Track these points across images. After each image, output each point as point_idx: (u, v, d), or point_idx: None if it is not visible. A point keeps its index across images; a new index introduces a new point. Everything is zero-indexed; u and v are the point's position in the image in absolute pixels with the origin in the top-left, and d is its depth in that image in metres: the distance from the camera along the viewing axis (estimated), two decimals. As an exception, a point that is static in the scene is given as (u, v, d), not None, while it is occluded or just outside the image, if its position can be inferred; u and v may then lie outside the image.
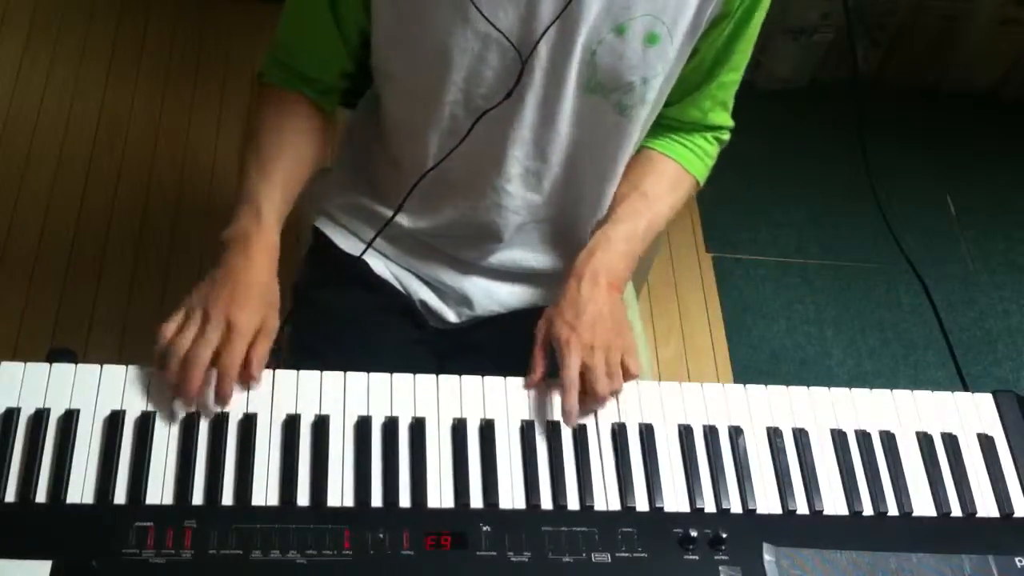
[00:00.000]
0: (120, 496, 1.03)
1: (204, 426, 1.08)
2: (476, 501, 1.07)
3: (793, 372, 2.33)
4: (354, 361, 1.16)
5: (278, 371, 1.13)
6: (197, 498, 1.04)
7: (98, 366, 1.11)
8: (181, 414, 1.08)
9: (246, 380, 1.10)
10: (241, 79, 2.55)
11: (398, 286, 1.40)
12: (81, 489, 1.03)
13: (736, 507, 1.12)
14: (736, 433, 1.17)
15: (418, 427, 1.11)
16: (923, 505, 1.16)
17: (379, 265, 1.39)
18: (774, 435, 1.17)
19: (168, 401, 1.09)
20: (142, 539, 1.00)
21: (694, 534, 1.06)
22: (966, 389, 1.27)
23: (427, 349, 1.39)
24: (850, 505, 1.14)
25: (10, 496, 1.02)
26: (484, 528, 1.05)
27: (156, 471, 1.05)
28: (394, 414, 1.12)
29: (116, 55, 2.56)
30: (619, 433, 1.14)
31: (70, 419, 1.06)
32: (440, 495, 1.07)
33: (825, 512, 1.13)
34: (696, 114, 1.31)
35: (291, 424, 1.09)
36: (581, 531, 1.06)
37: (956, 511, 1.16)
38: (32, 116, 2.42)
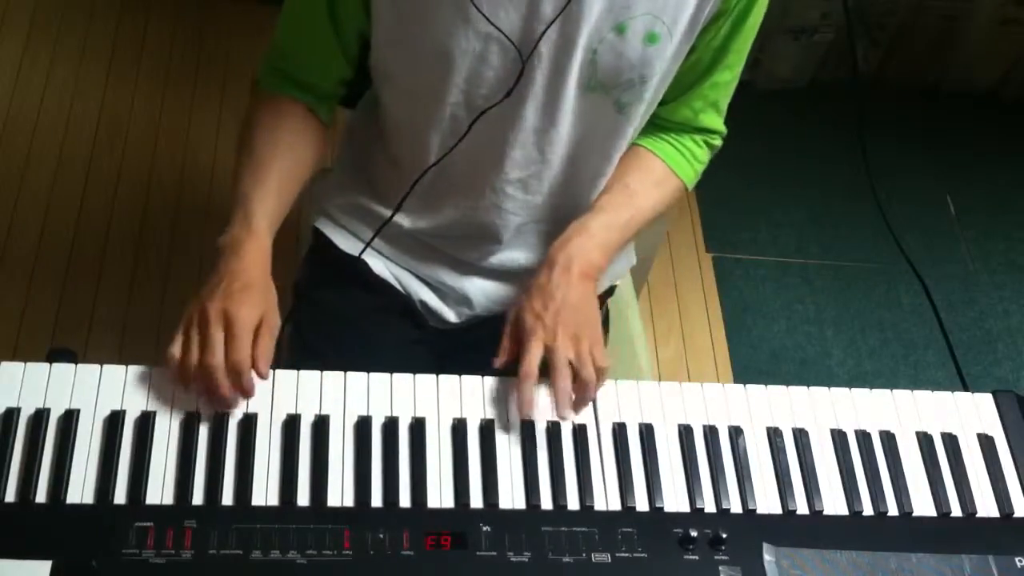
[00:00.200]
0: (120, 496, 1.03)
1: (204, 426, 1.08)
2: (476, 501, 1.07)
3: (793, 372, 2.32)
4: (354, 361, 1.16)
5: (278, 371, 1.13)
6: (197, 498, 1.03)
7: (98, 366, 1.11)
8: (181, 414, 1.08)
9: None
10: (241, 79, 2.54)
11: (398, 286, 1.40)
12: (81, 489, 1.03)
13: (736, 507, 1.12)
14: (736, 433, 1.17)
15: (418, 427, 1.11)
16: (923, 505, 1.16)
17: (379, 265, 1.39)
18: (774, 435, 1.17)
19: (168, 401, 1.09)
20: (142, 539, 0.99)
21: (694, 534, 1.06)
22: (966, 389, 1.27)
23: (427, 349, 1.39)
24: (850, 505, 1.14)
25: (10, 496, 1.02)
26: (484, 528, 1.05)
27: (156, 471, 1.05)
28: (394, 414, 1.12)
29: (116, 55, 2.56)
30: (619, 433, 1.14)
31: (70, 419, 1.06)
32: (440, 495, 1.07)
33: (825, 512, 1.13)
34: (687, 113, 1.31)
35: (291, 424, 1.09)
36: (581, 531, 1.06)
37: (956, 511, 1.16)
38: (32, 116, 2.42)
